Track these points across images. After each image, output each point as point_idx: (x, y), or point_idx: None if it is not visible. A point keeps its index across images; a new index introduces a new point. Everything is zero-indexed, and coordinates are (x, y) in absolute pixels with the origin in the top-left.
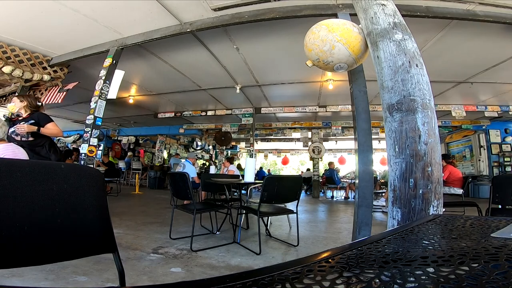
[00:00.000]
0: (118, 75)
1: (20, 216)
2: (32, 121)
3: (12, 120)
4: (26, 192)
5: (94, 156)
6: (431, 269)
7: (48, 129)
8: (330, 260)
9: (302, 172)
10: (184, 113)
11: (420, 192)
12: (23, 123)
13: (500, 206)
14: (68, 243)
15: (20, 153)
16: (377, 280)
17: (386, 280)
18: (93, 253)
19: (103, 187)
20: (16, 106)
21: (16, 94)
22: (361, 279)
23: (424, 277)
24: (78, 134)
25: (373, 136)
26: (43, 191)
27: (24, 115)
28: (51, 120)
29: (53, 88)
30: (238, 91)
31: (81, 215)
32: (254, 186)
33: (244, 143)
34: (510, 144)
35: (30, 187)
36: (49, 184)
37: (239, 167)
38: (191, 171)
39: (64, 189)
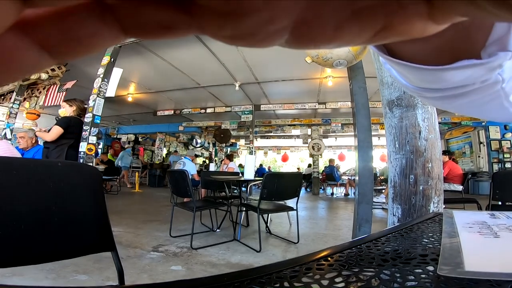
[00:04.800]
0: (116, 73)
1: (17, 215)
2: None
3: None
4: (23, 190)
5: (92, 155)
6: (430, 268)
7: (44, 134)
8: (329, 258)
9: (299, 168)
10: (183, 110)
11: (421, 188)
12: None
13: (500, 203)
14: (66, 242)
15: (15, 150)
16: (377, 279)
17: (385, 278)
18: (91, 251)
19: (101, 185)
20: (66, 111)
21: (15, 92)
22: (360, 277)
23: (423, 276)
24: None
25: (372, 133)
26: (40, 190)
27: None
28: (56, 125)
29: (52, 87)
30: (237, 88)
31: (79, 213)
32: (254, 183)
33: (243, 140)
34: (509, 140)
35: (27, 186)
36: (46, 182)
37: (240, 166)
38: (192, 168)
39: (61, 188)
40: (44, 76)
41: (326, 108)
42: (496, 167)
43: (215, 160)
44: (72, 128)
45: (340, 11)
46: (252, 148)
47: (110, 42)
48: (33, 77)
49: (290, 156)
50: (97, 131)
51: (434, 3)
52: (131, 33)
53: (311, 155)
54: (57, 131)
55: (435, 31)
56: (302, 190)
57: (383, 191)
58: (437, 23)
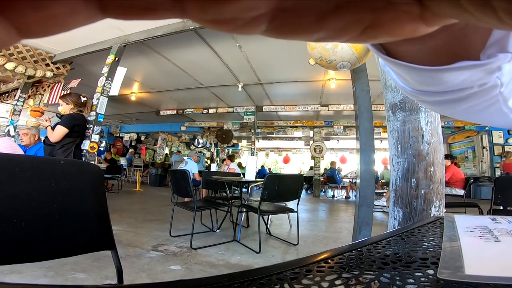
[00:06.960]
0: (120, 72)
1: (18, 213)
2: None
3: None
4: (24, 188)
5: (95, 153)
6: (431, 271)
7: (48, 131)
8: (329, 260)
9: (301, 170)
10: (185, 110)
11: (422, 192)
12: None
13: (502, 208)
14: (66, 240)
15: (17, 147)
16: (377, 282)
17: (385, 281)
18: (91, 250)
19: (102, 184)
20: (65, 108)
21: (19, 89)
22: (360, 280)
23: (423, 279)
24: None
25: (375, 136)
26: (41, 187)
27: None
28: (60, 124)
29: (56, 85)
30: (240, 89)
31: (79, 211)
32: (255, 184)
33: (245, 141)
34: None
35: (28, 183)
36: (48, 180)
37: (239, 165)
38: (194, 167)
39: (63, 185)
40: (49, 74)
41: (328, 110)
42: (498, 172)
43: (217, 160)
44: (78, 127)
45: (322, 3)
46: (254, 149)
47: (85, 22)
48: (38, 75)
49: (292, 157)
50: (100, 129)
51: (424, 4)
52: (110, 12)
53: (313, 157)
54: (62, 131)
55: (425, 32)
56: (303, 192)
57: (384, 194)
58: (427, 24)
